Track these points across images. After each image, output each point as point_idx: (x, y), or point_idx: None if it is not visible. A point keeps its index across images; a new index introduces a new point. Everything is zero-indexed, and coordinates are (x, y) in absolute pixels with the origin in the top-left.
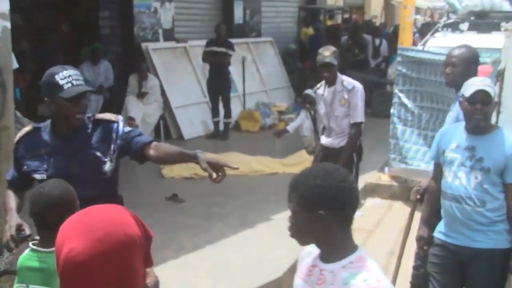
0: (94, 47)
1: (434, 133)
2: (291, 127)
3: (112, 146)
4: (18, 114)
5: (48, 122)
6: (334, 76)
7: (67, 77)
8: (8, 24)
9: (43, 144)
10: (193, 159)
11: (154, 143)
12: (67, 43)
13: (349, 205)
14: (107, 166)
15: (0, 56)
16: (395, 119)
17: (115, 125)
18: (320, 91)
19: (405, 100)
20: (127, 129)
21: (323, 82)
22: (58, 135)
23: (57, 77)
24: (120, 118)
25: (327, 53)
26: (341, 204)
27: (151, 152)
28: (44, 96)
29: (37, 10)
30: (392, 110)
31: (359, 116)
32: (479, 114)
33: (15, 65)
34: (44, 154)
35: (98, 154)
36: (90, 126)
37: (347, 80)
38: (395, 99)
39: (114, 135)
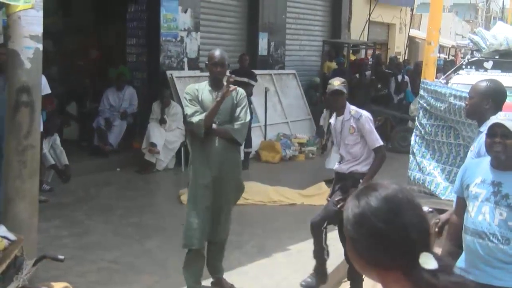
0: (119, 72)
1: (453, 168)
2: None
3: None
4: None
5: None
6: (343, 105)
7: None
8: (40, 46)
9: None
10: None
11: None
12: (95, 68)
13: None
14: None
15: (30, 77)
16: (416, 151)
17: None
18: (332, 121)
19: (426, 133)
20: None
21: (335, 113)
22: None
23: None
24: None
25: (337, 82)
26: None
27: None
28: None
29: (68, 35)
30: (412, 143)
31: (377, 140)
32: (498, 147)
33: (48, 90)
34: None
35: None
36: None
37: (355, 110)
38: (417, 132)
39: None
